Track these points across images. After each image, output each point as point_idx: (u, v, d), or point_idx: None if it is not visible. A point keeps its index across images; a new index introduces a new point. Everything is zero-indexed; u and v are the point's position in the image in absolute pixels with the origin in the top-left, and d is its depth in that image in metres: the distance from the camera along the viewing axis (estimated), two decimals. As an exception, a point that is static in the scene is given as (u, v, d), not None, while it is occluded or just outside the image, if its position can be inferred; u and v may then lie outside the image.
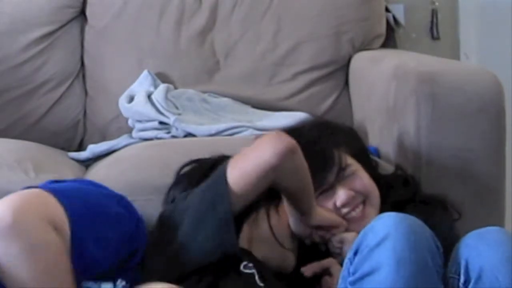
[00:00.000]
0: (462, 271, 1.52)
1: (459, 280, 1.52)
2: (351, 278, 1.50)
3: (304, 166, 1.64)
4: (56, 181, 1.70)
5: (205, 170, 1.81)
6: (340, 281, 1.55)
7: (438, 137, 1.96)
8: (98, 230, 1.53)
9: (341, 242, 1.74)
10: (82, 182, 1.78)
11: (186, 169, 1.88)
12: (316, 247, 1.77)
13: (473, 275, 1.51)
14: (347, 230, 1.76)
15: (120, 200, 1.64)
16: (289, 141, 1.61)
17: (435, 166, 1.96)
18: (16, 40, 2.46)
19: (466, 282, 1.51)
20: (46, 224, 1.42)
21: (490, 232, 1.57)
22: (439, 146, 1.96)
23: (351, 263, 1.51)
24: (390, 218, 1.49)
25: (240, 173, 1.60)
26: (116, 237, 1.56)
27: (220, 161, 1.80)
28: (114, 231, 1.56)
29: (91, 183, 1.73)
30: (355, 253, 1.51)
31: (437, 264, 1.49)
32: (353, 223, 1.76)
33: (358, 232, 1.72)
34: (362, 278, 1.48)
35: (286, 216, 1.74)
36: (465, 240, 1.56)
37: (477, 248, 1.52)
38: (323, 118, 2.31)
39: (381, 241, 1.46)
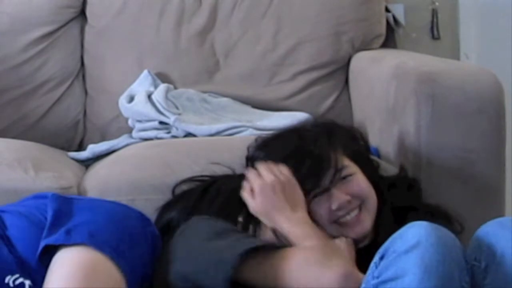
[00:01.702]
0: (483, 257, 1.52)
1: (479, 266, 1.53)
2: (374, 281, 1.49)
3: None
4: (75, 198, 1.72)
5: (201, 191, 1.81)
6: (363, 285, 1.54)
7: (438, 137, 1.96)
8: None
9: None
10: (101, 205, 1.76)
11: (182, 187, 1.87)
12: None
13: (495, 261, 1.51)
14: (341, 235, 1.75)
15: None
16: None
17: (435, 166, 1.96)
18: (16, 40, 2.46)
19: (487, 267, 1.52)
20: None
21: (509, 220, 1.58)
22: (439, 146, 1.96)
23: (376, 267, 1.51)
24: (421, 227, 1.48)
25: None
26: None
27: (216, 182, 1.81)
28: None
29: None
30: (381, 258, 1.50)
31: (463, 280, 1.47)
32: (347, 228, 1.74)
33: (348, 238, 1.73)
34: (385, 282, 1.46)
35: None
36: (484, 228, 1.56)
37: (498, 235, 1.53)
38: (324, 119, 2.31)
39: (410, 249, 1.45)
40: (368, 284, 1.51)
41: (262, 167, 1.72)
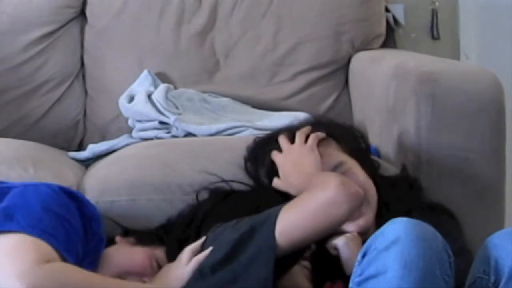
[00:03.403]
0: (492, 271, 1.52)
1: (488, 280, 1.52)
2: (357, 279, 1.49)
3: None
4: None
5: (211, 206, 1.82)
6: (350, 284, 1.54)
7: (438, 137, 1.96)
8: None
9: (335, 248, 1.73)
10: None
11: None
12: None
13: (504, 275, 1.50)
14: (344, 231, 1.75)
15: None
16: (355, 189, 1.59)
17: (435, 166, 1.96)
18: (16, 40, 2.46)
19: (496, 281, 1.51)
20: (43, 265, 1.52)
21: None
22: (439, 146, 1.96)
23: (359, 264, 1.51)
24: (401, 223, 1.48)
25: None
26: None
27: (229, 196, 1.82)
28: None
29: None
30: (363, 256, 1.50)
31: (445, 273, 1.47)
32: (348, 222, 1.75)
33: (353, 232, 1.74)
34: (367, 279, 1.47)
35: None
36: (493, 240, 1.56)
37: (506, 248, 1.52)
38: (321, 117, 2.31)
39: (389, 245, 1.45)
40: (352, 282, 1.51)
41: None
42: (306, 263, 1.72)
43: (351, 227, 1.74)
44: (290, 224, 1.57)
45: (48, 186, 1.71)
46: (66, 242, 1.60)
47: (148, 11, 2.49)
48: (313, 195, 1.59)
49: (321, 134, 1.83)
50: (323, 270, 1.74)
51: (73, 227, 1.64)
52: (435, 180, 1.96)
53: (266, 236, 1.57)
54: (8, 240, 1.56)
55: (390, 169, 1.98)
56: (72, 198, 1.71)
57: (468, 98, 1.95)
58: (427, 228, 1.49)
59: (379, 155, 2.10)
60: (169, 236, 1.80)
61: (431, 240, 1.47)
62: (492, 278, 1.52)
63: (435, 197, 1.91)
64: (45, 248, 1.56)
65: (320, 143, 1.81)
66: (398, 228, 1.47)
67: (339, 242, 1.72)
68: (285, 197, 1.76)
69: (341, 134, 1.85)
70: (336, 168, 1.77)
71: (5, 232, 1.57)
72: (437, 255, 1.46)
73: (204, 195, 1.88)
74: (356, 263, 1.52)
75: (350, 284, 1.52)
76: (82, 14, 2.53)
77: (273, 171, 1.81)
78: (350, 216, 1.59)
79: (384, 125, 2.12)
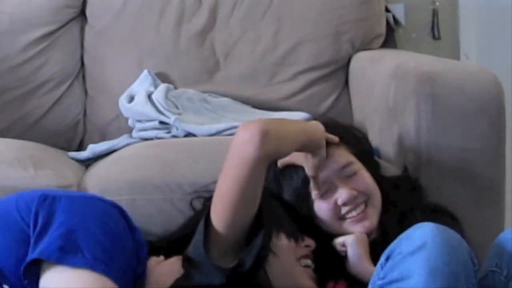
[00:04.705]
0: (504, 264, 1.52)
1: (501, 273, 1.52)
2: (379, 282, 1.49)
3: (286, 131, 1.64)
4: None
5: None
6: (369, 286, 1.54)
7: (438, 137, 1.96)
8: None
9: (344, 245, 1.74)
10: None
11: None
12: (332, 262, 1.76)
13: None
14: (348, 232, 1.75)
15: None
16: (256, 126, 1.57)
17: (435, 166, 1.96)
18: (16, 40, 2.46)
19: (508, 275, 1.52)
20: None
21: None
22: (439, 146, 1.96)
23: (382, 268, 1.50)
24: (428, 228, 1.48)
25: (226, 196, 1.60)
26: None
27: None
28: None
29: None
30: (387, 259, 1.50)
31: (469, 282, 1.47)
32: (353, 223, 1.75)
33: (357, 233, 1.74)
34: (390, 283, 1.47)
35: (285, 254, 1.71)
36: (505, 235, 1.56)
37: None
38: (326, 117, 2.31)
39: (416, 250, 1.45)
40: (374, 285, 1.51)
41: None
42: (309, 262, 1.72)
43: (357, 228, 1.74)
44: (217, 204, 1.61)
45: (106, 201, 1.65)
46: (123, 271, 1.56)
47: (148, 11, 2.49)
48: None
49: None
50: (326, 269, 1.74)
51: (128, 250, 1.60)
52: (435, 180, 1.95)
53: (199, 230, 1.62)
54: (71, 277, 1.50)
55: (390, 169, 1.98)
56: (124, 218, 1.65)
57: (468, 98, 1.94)
58: (454, 235, 1.49)
59: (379, 155, 2.10)
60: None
61: (458, 247, 1.47)
62: (505, 272, 1.52)
63: (435, 197, 1.92)
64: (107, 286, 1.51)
65: (330, 143, 1.81)
66: (425, 233, 1.47)
67: (348, 239, 1.73)
68: (284, 202, 1.76)
69: (347, 136, 1.85)
70: (345, 168, 1.76)
71: (70, 265, 1.51)
72: (463, 262, 1.46)
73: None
74: (379, 266, 1.52)
75: (370, 286, 1.52)
76: (82, 14, 2.54)
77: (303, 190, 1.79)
78: (266, 146, 1.57)
79: (384, 125, 2.12)
